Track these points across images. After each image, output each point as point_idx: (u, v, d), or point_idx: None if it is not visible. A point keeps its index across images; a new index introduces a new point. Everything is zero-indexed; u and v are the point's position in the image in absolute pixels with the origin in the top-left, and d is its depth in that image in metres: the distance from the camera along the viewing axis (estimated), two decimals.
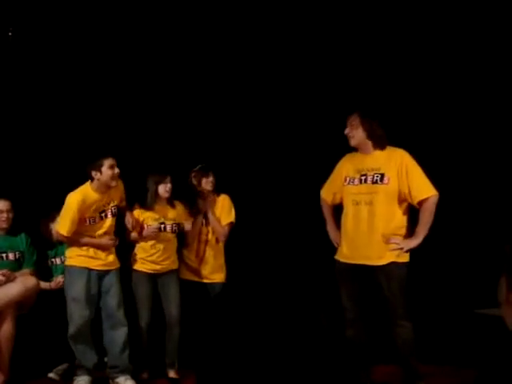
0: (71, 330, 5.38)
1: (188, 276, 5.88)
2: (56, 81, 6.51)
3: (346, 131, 4.95)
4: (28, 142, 6.46)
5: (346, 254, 4.92)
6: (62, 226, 5.42)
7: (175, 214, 5.81)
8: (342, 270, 4.93)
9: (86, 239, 5.46)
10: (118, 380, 5.46)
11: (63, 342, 5.51)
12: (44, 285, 5.78)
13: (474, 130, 6.35)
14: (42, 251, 5.92)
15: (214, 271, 5.89)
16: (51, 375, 5.74)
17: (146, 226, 5.72)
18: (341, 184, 5.01)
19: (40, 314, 5.67)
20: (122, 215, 5.68)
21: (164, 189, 5.72)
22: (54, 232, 5.86)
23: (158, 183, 5.72)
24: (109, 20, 6.42)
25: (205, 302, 5.86)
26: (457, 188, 6.23)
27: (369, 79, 6.40)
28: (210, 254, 5.88)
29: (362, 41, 6.42)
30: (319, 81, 6.57)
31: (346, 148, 5.87)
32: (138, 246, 5.75)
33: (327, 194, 5.17)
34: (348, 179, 4.94)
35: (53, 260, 5.98)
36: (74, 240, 5.45)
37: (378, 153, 4.89)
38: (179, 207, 5.85)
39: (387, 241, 4.78)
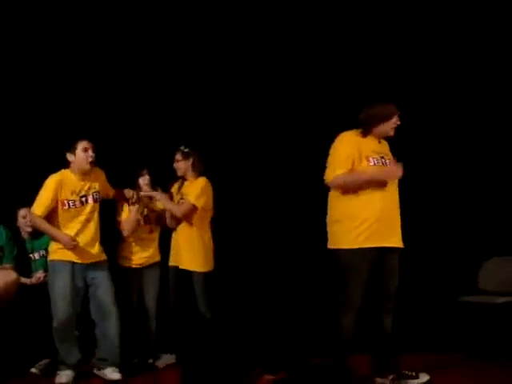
0: (55, 325, 5.30)
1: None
2: (38, 74, 6.41)
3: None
4: (5, 139, 6.37)
5: (371, 237, 4.69)
6: (35, 205, 5.35)
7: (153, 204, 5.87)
8: (360, 257, 4.67)
9: (48, 225, 5.34)
10: (105, 371, 5.40)
11: (45, 337, 5.45)
12: (24, 280, 5.72)
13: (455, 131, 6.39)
14: (21, 246, 5.85)
15: (184, 258, 5.77)
16: (33, 370, 5.68)
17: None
18: (363, 164, 4.74)
19: (21, 309, 5.60)
20: (113, 209, 5.69)
21: (143, 181, 5.75)
22: (20, 229, 5.92)
23: (136, 177, 5.77)
24: (90, 17, 6.35)
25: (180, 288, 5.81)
26: (439, 181, 6.26)
27: (357, 77, 6.40)
28: (177, 240, 5.81)
29: (360, 40, 6.45)
30: (307, 77, 6.56)
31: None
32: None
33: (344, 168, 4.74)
34: (372, 160, 4.76)
35: (31, 255, 5.93)
36: (41, 222, 5.33)
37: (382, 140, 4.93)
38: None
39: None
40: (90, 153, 5.34)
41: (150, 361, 5.81)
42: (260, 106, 6.57)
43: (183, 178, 5.84)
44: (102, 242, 5.53)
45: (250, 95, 6.58)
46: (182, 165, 5.79)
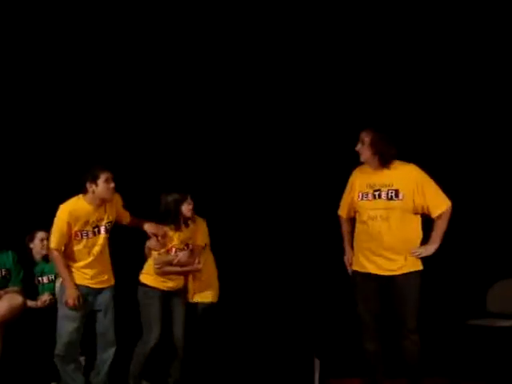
0: (58, 347, 5.25)
1: None
2: (48, 95, 6.46)
3: (357, 148, 4.98)
4: (15, 158, 6.41)
5: (363, 264, 4.97)
6: (51, 238, 5.27)
7: (190, 232, 5.71)
8: (359, 280, 4.98)
9: (63, 264, 5.24)
10: None
11: (51, 360, 5.44)
12: (31, 303, 5.73)
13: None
14: (28, 269, 5.87)
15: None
16: None
17: (174, 248, 5.61)
18: (354, 199, 5.04)
19: (27, 332, 5.62)
20: (128, 229, 5.56)
21: (188, 208, 5.60)
22: (34, 251, 5.92)
23: (180, 202, 5.59)
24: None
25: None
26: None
27: (370, 92, 6.41)
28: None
29: (370, 54, 6.45)
30: (311, 97, 6.58)
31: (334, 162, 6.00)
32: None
33: (342, 209, 5.16)
34: (361, 195, 4.97)
35: (39, 279, 5.94)
36: (57, 260, 5.25)
37: (386, 168, 4.95)
38: (192, 225, 5.72)
39: (407, 252, 4.88)
40: (112, 184, 5.25)
41: None
42: (270, 122, 6.61)
43: (186, 221, 5.71)
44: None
45: (260, 106, 6.63)
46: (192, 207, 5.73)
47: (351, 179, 5.10)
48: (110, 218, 5.36)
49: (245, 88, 6.59)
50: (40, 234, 5.95)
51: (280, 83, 6.56)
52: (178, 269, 5.63)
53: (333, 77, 6.49)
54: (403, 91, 6.39)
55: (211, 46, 6.53)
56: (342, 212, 5.16)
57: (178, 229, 5.61)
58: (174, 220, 5.59)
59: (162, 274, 5.59)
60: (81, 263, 5.29)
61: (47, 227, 5.77)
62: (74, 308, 5.20)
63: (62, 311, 5.29)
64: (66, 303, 5.21)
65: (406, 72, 6.40)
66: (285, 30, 6.43)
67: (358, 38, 6.41)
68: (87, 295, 5.30)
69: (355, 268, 5.04)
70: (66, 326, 5.25)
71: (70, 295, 5.20)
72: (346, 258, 5.14)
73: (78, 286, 5.27)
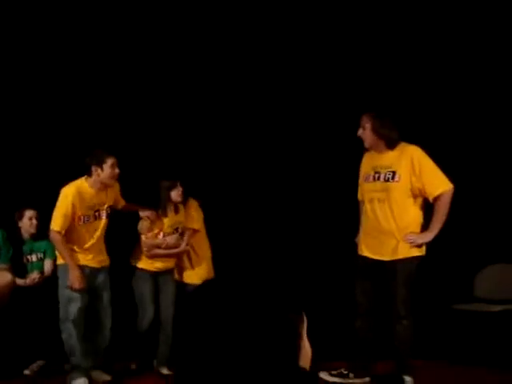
0: (71, 328, 5.19)
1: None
2: (49, 79, 6.41)
3: (359, 133, 4.99)
4: (4, 137, 6.37)
5: (362, 248, 5.05)
6: (54, 221, 5.18)
7: (181, 217, 5.84)
8: (359, 263, 5.07)
9: (65, 248, 5.21)
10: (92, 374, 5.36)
11: (38, 338, 5.45)
12: (19, 281, 5.71)
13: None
14: (17, 247, 5.85)
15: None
16: (27, 372, 5.65)
17: (162, 233, 5.75)
18: (360, 181, 5.13)
19: (15, 310, 5.60)
20: (123, 214, 5.62)
21: (177, 193, 5.73)
22: (22, 230, 5.89)
23: (169, 189, 5.72)
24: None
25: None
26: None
27: (374, 77, 6.38)
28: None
29: (369, 40, 6.42)
30: (310, 84, 6.56)
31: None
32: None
33: (359, 192, 5.20)
34: (365, 176, 5.03)
35: (28, 257, 5.92)
36: (60, 243, 5.20)
37: (390, 151, 4.94)
38: (182, 210, 5.86)
39: (401, 238, 4.88)
40: (117, 170, 5.26)
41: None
42: (271, 115, 6.59)
43: (176, 207, 5.83)
44: None
45: (260, 103, 6.61)
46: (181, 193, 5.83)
47: (362, 163, 5.15)
48: (110, 202, 5.40)
49: (243, 71, 6.55)
50: (29, 213, 5.94)
51: (279, 67, 6.54)
52: (165, 251, 5.77)
53: (334, 62, 6.47)
54: (405, 74, 6.37)
55: (202, 35, 6.50)
56: (359, 195, 5.21)
57: (166, 214, 5.75)
58: (163, 206, 5.72)
59: (151, 256, 5.74)
60: (82, 246, 5.30)
61: (36, 205, 5.84)
62: (80, 290, 5.19)
63: (66, 294, 5.23)
64: (72, 287, 5.19)
65: (407, 55, 6.38)
66: (281, 17, 6.41)
67: (355, 24, 6.39)
68: (89, 275, 5.29)
69: (358, 250, 5.10)
70: (72, 307, 5.20)
71: (74, 278, 5.17)
72: (356, 240, 5.20)
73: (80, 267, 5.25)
